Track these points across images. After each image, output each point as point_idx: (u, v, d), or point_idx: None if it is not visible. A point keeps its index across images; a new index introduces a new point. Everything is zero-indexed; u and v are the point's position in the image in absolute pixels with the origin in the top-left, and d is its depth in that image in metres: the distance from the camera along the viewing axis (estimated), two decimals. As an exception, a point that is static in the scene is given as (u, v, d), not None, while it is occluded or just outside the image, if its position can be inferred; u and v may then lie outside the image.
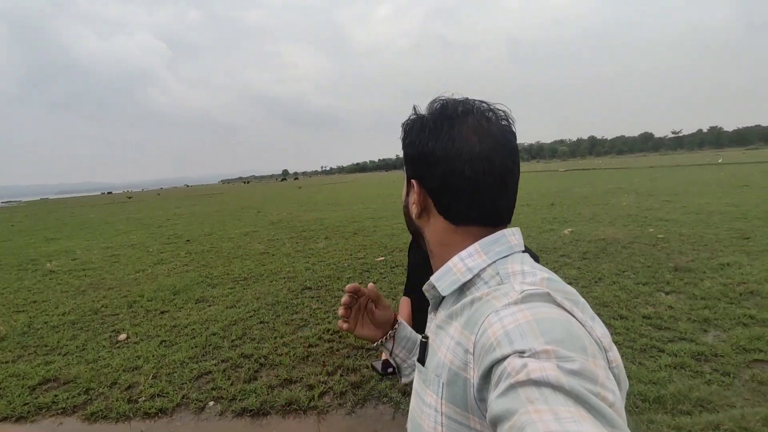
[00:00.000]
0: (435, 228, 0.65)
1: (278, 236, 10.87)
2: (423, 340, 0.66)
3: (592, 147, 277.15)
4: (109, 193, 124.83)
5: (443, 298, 0.64)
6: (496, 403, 0.41)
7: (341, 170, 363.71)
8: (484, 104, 0.63)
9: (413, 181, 0.65)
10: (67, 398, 3.28)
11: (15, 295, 6.63)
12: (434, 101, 0.64)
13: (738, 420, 2.42)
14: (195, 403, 3.11)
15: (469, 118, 0.60)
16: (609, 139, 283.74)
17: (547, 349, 0.42)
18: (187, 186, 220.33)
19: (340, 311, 0.81)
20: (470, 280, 0.59)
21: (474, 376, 0.49)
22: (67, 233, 15.64)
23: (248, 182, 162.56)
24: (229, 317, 4.85)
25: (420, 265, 1.49)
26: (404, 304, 1.57)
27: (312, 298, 5.39)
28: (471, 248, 0.61)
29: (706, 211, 9.79)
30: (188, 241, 11.23)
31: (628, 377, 2.86)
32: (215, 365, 3.68)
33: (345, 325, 0.82)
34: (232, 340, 4.19)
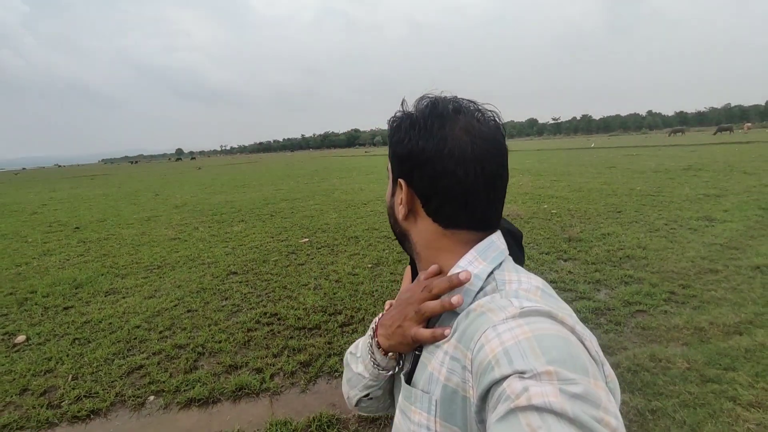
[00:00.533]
0: (422, 230, 0.62)
1: (186, 220, 10.13)
2: (416, 353, 0.60)
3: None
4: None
5: None
6: (495, 428, 0.40)
7: (243, 150, 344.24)
8: (472, 104, 0.61)
9: (401, 180, 0.62)
10: (-35, 413, 2.84)
11: None
12: (422, 98, 0.62)
13: (632, 359, 2.99)
14: (132, 400, 2.91)
15: (460, 117, 0.58)
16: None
17: (549, 371, 0.40)
18: (59, 166, 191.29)
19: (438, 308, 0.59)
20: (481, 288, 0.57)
21: (473, 396, 0.47)
22: None
23: (136, 162, 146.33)
24: (151, 308, 4.51)
25: None
26: (408, 273, 1.68)
27: (240, 282, 5.22)
28: (469, 255, 0.59)
29: (586, 189, 11.31)
30: (77, 228, 9.95)
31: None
32: (146, 358, 3.44)
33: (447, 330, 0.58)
34: (160, 332, 3.93)
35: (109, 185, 25.32)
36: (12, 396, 3.02)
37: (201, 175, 30.45)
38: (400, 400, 0.59)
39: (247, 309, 4.37)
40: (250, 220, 9.63)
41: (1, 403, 2.96)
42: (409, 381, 0.59)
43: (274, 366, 3.25)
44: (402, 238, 0.68)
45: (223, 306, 4.49)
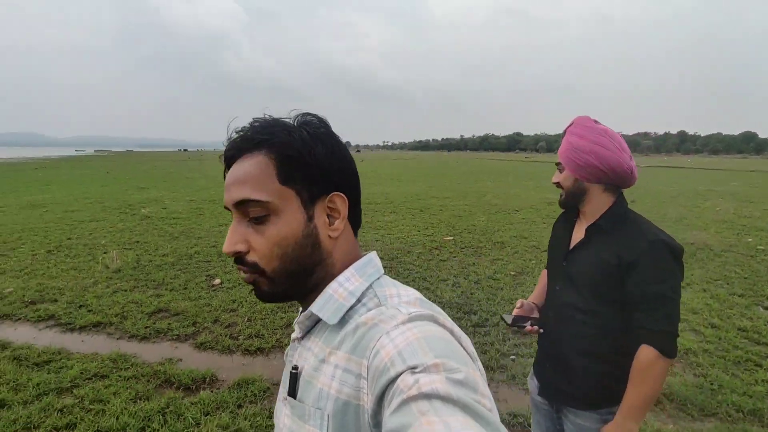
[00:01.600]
0: (345, 241, 0.63)
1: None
2: (293, 371, 0.60)
3: (681, 143, 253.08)
4: (185, 150, 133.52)
5: (313, 326, 0.62)
6: (390, 420, 0.42)
7: (403, 146, 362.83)
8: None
9: (340, 195, 0.61)
10: (179, 327, 3.75)
11: (121, 235, 7.48)
12: (294, 119, 0.61)
13: None
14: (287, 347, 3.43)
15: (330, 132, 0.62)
16: (702, 135, 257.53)
17: (437, 363, 0.44)
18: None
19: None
20: (352, 305, 0.58)
21: (368, 402, 0.49)
22: (154, 184, 17.15)
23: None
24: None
25: (552, 241, 1.53)
26: (543, 276, 1.65)
27: (384, 268, 5.59)
28: (347, 273, 0.61)
29: (815, 226, 8.79)
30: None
31: (720, 386, 2.78)
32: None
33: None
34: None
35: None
36: (208, 323, 3.86)
37: (364, 167, 33.23)
38: (288, 418, 0.59)
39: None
40: (401, 212, 10.16)
41: (201, 326, 3.81)
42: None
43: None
44: (314, 267, 0.61)
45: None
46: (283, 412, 0.60)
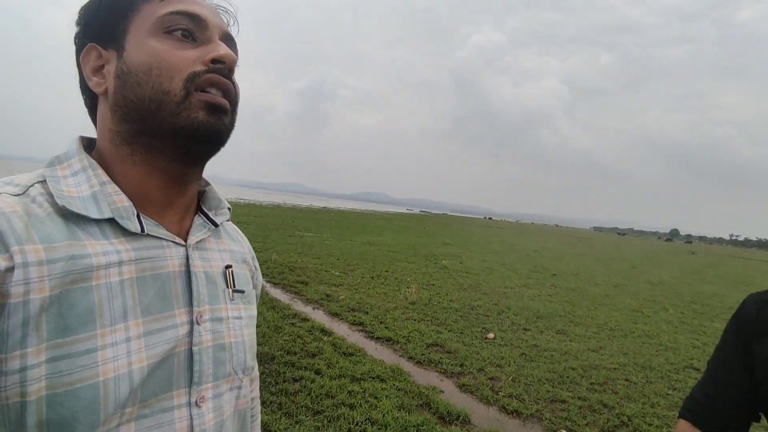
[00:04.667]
0: None
1: (656, 298, 9.31)
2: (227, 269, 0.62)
3: None
4: (490, 218, 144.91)
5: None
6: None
7: (762, 245, 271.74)
8: None
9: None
10: (448, 364, 4.01)
11: (422, 276, 8.74)
12: None
13: None
14: (547, 422, 3.09)
15: None
16: None
17: None
18: (557, 226, 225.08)
19: None
20: None
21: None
22: (457, 242, 19.25)
23: (624, 234, 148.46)
24: (590, 359, 4.54)
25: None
26: None
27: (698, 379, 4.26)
28: None
29: None
30: (554, 275, 11.42)
31: None
32: (570, 397, 3.53)
33: None
34: (591, 383, 3.90)
35: (592, 247, 27.20)
36: (473, 369, 3.96)
37: (691, 260, 26.89)
38: (244, 312, 0.63)
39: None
40: (740, 322, 7.56)
41: (467, 369, 3.94)
42: None
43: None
44: None
45: (667, 393, 3.86)
46: (228, 311, 0.58)
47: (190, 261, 0.54)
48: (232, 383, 0.57)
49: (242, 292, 0.62)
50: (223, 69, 0.53)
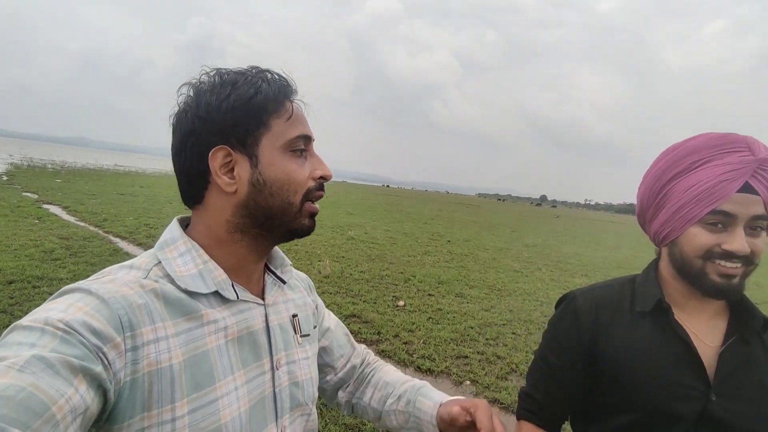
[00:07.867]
0: None
1: (532, 259, 10.85)
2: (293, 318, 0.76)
3: None
4: (387, 186, 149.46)
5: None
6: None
7: (609, 208, 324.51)
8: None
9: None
10: (367, 333, 4.38)
11: (333, 249, 8.98)
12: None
13: None
14: (455, 377, 3.64)
15: None
16: None
17: None
18: (448, 193, 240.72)
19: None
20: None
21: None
22: (360, 212, 19.78)
23: (503, 200, 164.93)
24: (485, 318, 5.29)
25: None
26: None
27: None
28: None
29: None
30: (449, 241, 12.52)
31: None
32: (472, 353, 4.15)
33: None
34: (486, 339, 4.59)
35: (478, 214, 29.98)
36: (390, 336, 4.38)
37: (557, 223, 31.20)
38: (310, 352, 0.78)
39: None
40: (594, 278, 9.26)
41: (384, 337, 4.35)
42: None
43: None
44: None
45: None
46: (298, 354, 0.72)
47: (268, 317, 0.69)
48: (302, 411, 0.72)
49: (308, 335, 0.77)
50: (323, 183, 0.68)
